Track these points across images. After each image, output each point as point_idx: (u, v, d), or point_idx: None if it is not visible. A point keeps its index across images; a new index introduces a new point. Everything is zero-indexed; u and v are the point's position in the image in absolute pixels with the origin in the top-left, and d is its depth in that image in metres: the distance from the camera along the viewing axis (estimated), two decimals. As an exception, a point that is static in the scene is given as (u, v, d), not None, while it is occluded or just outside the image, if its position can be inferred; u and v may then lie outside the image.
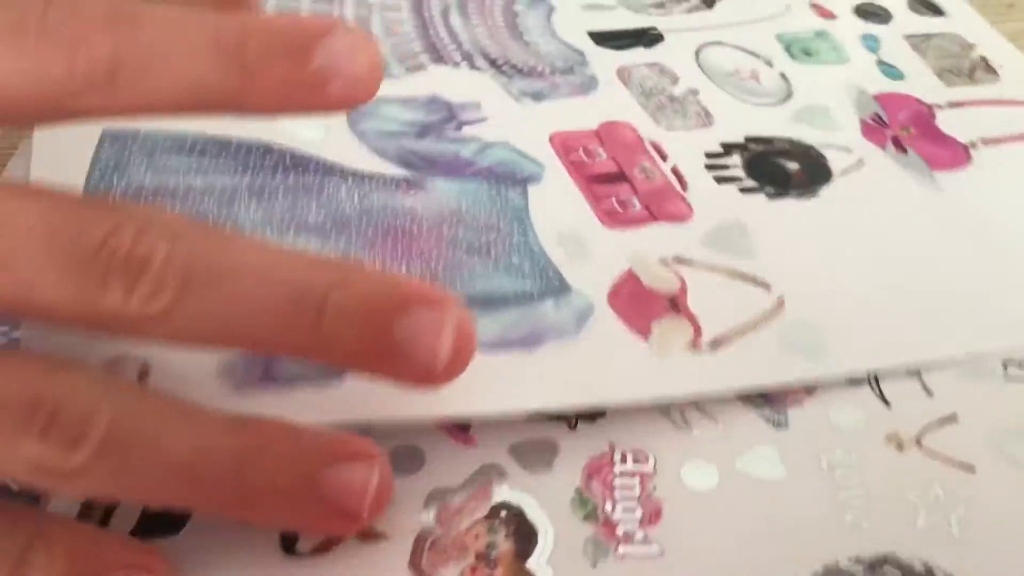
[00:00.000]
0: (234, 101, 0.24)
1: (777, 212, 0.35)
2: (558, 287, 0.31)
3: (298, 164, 0.34)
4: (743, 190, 0.36)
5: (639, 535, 0.27)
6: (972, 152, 0.39)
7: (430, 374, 0.24)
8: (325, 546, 0.26)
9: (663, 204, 0.35)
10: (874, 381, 0.30)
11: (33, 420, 0.22)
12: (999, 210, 0.36)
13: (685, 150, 0.37)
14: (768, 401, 0.30)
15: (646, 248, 0.33)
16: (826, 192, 0.36)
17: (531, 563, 0.26)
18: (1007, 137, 0.39)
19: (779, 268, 0.33)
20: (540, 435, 0.29)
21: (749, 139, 0.38)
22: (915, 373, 0.31)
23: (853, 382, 0.30)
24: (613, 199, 0.35)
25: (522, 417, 0.28)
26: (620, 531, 0.27)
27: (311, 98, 0.24)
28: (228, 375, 0.28)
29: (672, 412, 0.29)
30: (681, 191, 0.36)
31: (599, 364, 0.29)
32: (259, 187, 0.33)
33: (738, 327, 0.31)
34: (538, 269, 0.32)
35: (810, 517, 0.27)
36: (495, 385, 0.28)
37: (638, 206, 0.35)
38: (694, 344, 0.30)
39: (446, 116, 0.38)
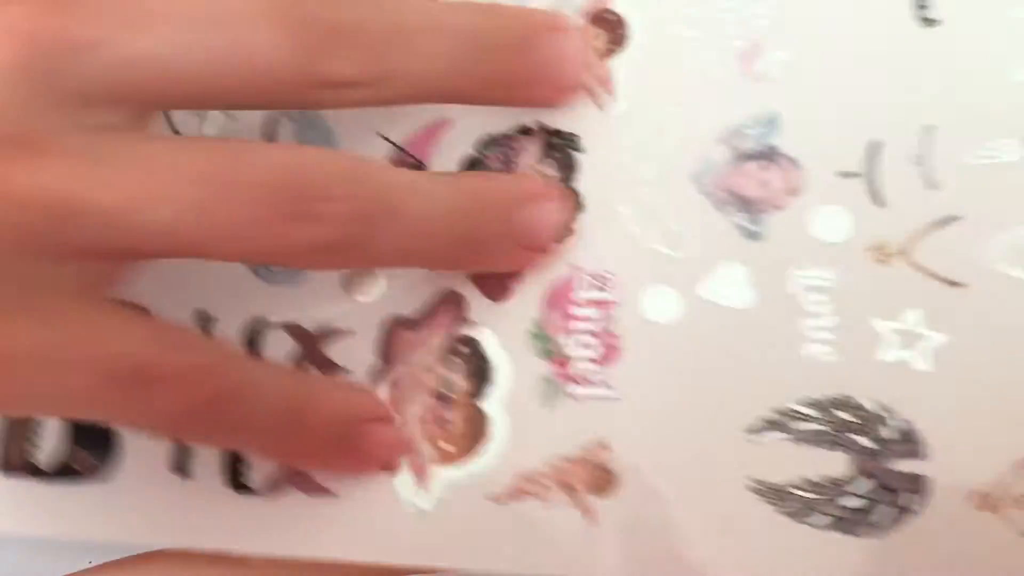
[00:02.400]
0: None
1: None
2: None
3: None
4: None
5: (595, 375, 0.27)
6: None
7: (569, 86, 0.28)
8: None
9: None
10: (870, 175, 0.27)
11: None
12: None
13: None
14: (745, 205, 0.27)
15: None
16: None
17: (485, 405, 0.27)
18: None
19: None
20: (501, 256, 0.28)
21: None
22: (917, 159, 0.27)
23: (845, 174, 0.27)
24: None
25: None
26: (574, 370, 0.27)
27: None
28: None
29: (640, 226, 0.28)
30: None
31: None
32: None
33: None
34: None
35: (770, 352, 0.26)
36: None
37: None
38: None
39: None
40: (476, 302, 0.28)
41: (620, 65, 0.29)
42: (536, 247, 0.27)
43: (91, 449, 0.27)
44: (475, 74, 0.26)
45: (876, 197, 0.27)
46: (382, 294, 0.28)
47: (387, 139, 0.29)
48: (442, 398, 0.27)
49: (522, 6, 0.28)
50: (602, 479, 0.26)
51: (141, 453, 0.27)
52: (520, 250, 0.27)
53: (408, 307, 0.28)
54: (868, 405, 0.26)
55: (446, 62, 0.25)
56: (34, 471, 0.27)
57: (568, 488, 0.26)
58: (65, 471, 0.27)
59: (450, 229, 0.26)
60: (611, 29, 0.29)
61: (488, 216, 0.26)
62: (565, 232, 0.27)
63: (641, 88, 0.29)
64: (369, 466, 0.27)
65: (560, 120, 0.29)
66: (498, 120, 0.29)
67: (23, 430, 0.27)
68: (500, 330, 0.28)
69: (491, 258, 0.27)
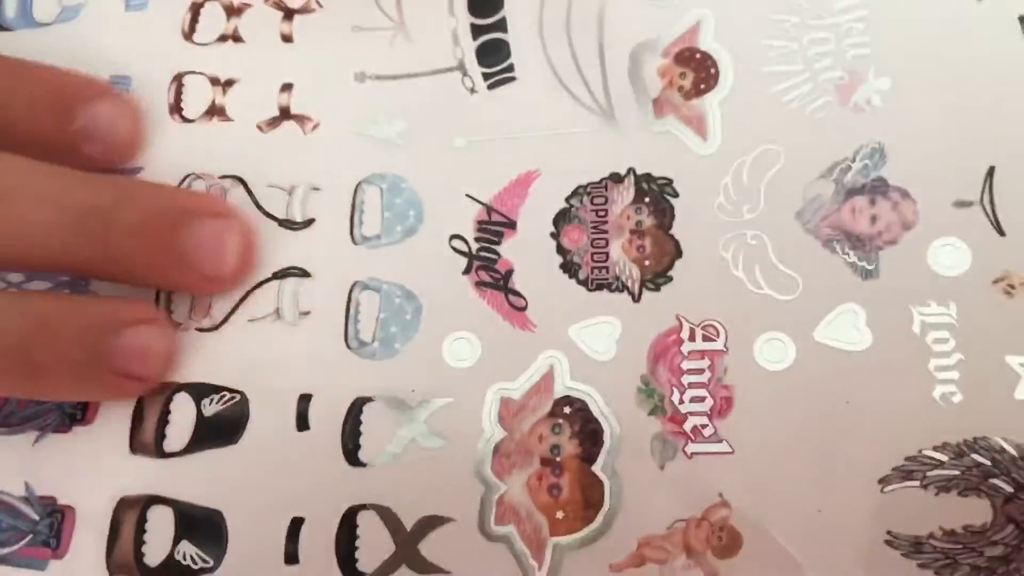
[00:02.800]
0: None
1: None
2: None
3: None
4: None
5: (708, 430, 0.26)
6: None
7: (219, 279, 0.26)
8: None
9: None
10: (988, 203, 0.26)
11: None
12: None
13: None
14: (856, 242, 0.26)
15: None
16: None
17: (598, 468, 0.26)
18: None
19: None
20: (602, 310, 0.27)
21: None
22: (1037, 186, 0.26)
23: (961, 203, 0.26)
24: None
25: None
26: (688, 426, 0.26)
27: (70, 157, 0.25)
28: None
29: (745, 271, 0.27)
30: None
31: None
32: None
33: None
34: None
35: (895, 396, 0.25)
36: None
37: None
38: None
39: None
40: (580, 361, 0.27)
41: (711, 104, 0.28)
42: (134, 376, 0.25)
43: (200, 544, 0.26)
44: (86, 250, 0.24)
45: (996, 225, 0.26)
46: (477, 359, 0.27)
47: (475, 199, 0.28)
48: (550, 463, 0.26)
49: (164, 188, 0.27)
50: (724, 539, 0.25)
51: (248, 545, 0.26)
52: (114, 378, 0.25)
53: (508, 370, 0.27)
54: (1005, 446, 0.24)
55: (50, 234, 0.24)
56: (143, 570, 0.26)
57: (690, 550, 0.25)
58: (173, 568, 0.26)
59: (11, 353, 0.24)
60: (699, 68, 0.28)
61: (60, 342, 0.24)
62: (168, 361, 0.26)
63: (735, 127, 0.27)
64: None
65: (652, 164, 0.27)
66: (589, 167, 0.28)
67: (131, 529, 0.26)
68: (607, 389, 0.26)
69: (68, 386, 0.25)
